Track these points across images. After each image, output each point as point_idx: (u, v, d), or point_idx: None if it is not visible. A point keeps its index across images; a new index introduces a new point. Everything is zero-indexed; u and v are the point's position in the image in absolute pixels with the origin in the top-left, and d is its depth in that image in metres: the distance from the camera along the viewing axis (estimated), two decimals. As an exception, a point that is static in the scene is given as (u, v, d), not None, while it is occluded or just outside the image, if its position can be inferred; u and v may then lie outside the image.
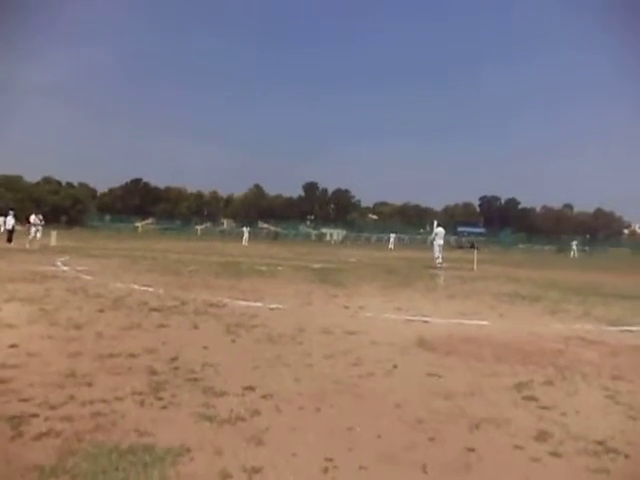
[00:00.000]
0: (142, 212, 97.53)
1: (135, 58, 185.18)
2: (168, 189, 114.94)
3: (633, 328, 8.14)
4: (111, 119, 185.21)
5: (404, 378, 4.86)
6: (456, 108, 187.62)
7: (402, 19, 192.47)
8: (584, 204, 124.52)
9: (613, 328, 8.07)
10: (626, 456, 3.28)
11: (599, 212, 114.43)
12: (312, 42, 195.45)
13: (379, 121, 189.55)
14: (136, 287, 10.63)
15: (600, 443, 3.45)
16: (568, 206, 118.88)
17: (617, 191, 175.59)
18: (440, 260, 21.28)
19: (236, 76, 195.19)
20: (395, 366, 5.24)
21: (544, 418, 3.90)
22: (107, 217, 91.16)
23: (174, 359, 5.11)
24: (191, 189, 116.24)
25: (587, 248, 65.76)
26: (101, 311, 7.72)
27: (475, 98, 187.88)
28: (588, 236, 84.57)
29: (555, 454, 3.26)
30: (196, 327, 6.84)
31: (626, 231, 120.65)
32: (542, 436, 3.54)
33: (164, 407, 3.77)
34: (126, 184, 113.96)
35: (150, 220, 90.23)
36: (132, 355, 5.17)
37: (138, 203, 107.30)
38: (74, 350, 5.30)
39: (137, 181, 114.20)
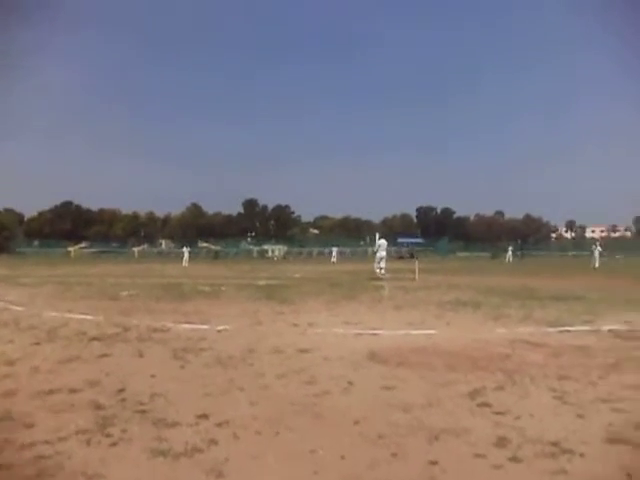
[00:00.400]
0: (74, 236, 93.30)
1: (59, 71, 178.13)
2: (101, 211, 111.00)
3: (571, 328, 8.52)
4: (36, 139, 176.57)
5: (360, 393, 4.83)
6: (392, 124, 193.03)
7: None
8: (514, 210, 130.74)
9: (553, 329, 8.41)
10: (581, 455, 3.37)
11: (528, 218, 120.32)
12: (249, 58, 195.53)
13: (317, 137, 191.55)
14: (72, 316, 10.08)
15: (555, 444, 3.54)
16: (499, 213, 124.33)
17: (544, 197, 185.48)
18: (383, 271, 21.59)
19: (168, 92, 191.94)
20: (350, 382, 5.20)
21: (500, 424, 3.97)
22: (35, 242, 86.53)
23: (120, 391, 4.84)
24: (126, 210, 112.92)
25: (519, 253, 68.69)
26: (36, 344, 7.25)
27: (407, 114, 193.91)
28: (519, 241, 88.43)
29: (515, 459, 3.31)
30: (141, 355, 6.54)
31: (554, 235, 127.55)
32: (501, 442, 3.59)
33: (113, 444, 3.55)
34: (56, 207, 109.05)
35: (83, 244, 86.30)
36: (74, 390, 4.86)
37: (69, 227, 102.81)
38: (8, 388, 4.92)
39: (68, 204, 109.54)
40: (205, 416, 4.11)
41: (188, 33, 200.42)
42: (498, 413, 4.22)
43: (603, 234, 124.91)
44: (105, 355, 6.49)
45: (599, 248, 38.78)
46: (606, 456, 3.37)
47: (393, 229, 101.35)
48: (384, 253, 22.11)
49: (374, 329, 8.43)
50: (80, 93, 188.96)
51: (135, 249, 79.91)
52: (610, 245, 74.70)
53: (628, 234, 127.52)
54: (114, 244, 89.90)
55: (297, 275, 25.65)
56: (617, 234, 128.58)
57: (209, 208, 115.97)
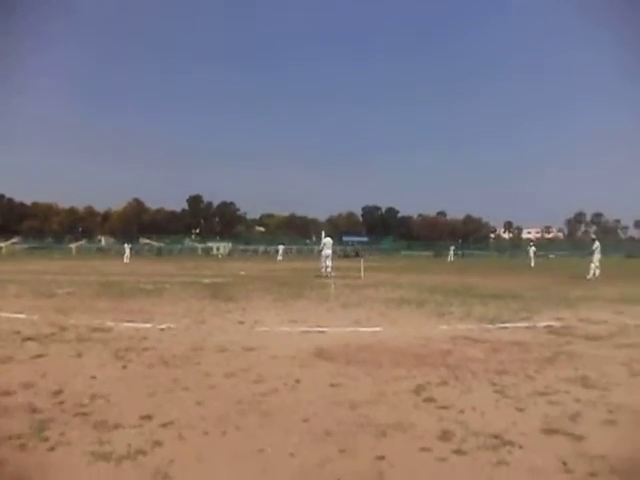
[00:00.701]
0: (5, 231, 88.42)
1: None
2: (36, 205, 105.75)
3: (508, 325, 8.86)
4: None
5: (308, 391, 4.83)
6: (337, 122, 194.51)
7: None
8: (455, 211, 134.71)
9: (492, 326, 8.72)
10: (520, 447, 3.51)
11: (468, 218, 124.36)
12: (197, 50, 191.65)
13: (262, 134, 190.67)
14: (4, 315, 9.55)
15: (496, 437, 3.67)
16: (441, 213, 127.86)
17: (484, 198, 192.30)
18: (330, 269, 21.71)
19: (110, 81, 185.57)
20: (298, 380, 5.19)
21: (444, 418, 4.07)
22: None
23: (57, 393, 4.62)
24: (63, 204, 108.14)
25: (460, 252, 70.96)
26: (-37, 345, 6.82)
27: (352, 114, 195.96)
28: (460, 241, 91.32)
29: (459, 452, 3.40)
30: (80, 355, 6.27)
31: (492, 235, 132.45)
32: (445, 435, 3.68)
33: (51, 449, 3.38)
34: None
35: (15, 239, 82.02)
36: (7, 392, 4.59)
37: (0, 221, 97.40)
38: None
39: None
40: (149, 417, 3.99)
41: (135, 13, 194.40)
42: (442, 407, 4.33)
43: (538, 235, 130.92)
44: (40, 356, 6.19)
45: (534, 248, 40.62)
46: (543, 447, 3.52)
47: (339, 227, 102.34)
48: (329, 251, 22.22)
49: (321, 327, 8.46)
50: (14, 82, 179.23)
51: (73, 245, 76.92)
52: (544, 245, 78.50)
53: (560, 235, 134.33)
54: (49, 240, 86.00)
55: (243, 273, 25.40)
56: (551, 235, 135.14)
57: (152, 204, 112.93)
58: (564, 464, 3.23)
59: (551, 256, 65.62)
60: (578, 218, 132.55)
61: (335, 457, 3.32)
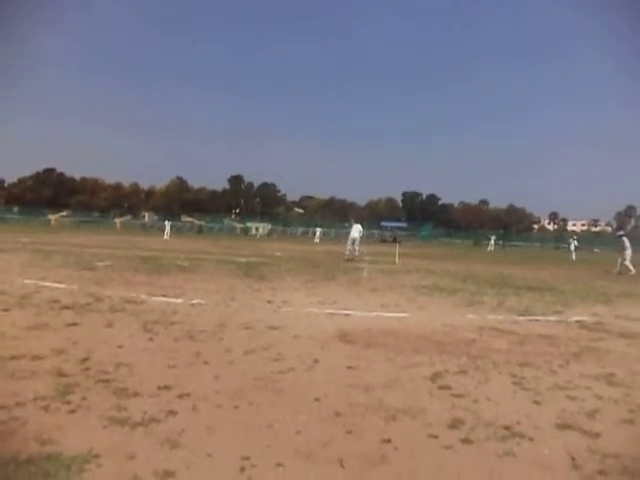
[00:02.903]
0: (55, 204, 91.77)
1: (47, 41, 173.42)
2: (84, 180, 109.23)
3: (540, 318, 8.68)
4: (20, 104, 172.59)
5: (324, 372, 4.88)
6: (385, 108, 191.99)
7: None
8: (498, 200, 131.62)
9: (522, 318, 8.55)
10: (530, 439, 3.47)
11: (511, 208, 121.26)
12: (243, 33, 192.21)
13: (307, 116, 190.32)
14: (47, 284, 9.99)
15: (507, 428, 3.64)
16: (484, 202, 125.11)
17: (528, 188, 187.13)
18: (357, 252, 21.87)
19: (159, 64, 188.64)
20: (316, 360, 5.25)
21: (457, 406, 4.06)
22: (15, 209, 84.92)
23: (85, 360, 4.83)
24: (109, 181, 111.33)
25: (501, 242, 69.47)
26: (5, 310, 7.18)
27: (400, 101, 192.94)
28: (502, 231, 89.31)
29: (466, 441, 3.39)
30: (111, 325, 6.52)
31: (536, 226, 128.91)
32: (455, 424, 3.67)
33: (72, 411, 3.55)
34: (37, 174, 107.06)
35: (65, 212, 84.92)
36: (38, 357, 4.84)
37: (51, 194, 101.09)
38: (-29, 353, 4.88)
39: (50, 171, 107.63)
40: (167, 387, 4.13)
41: (182, 3, 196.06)
42: (456, 396, 4.31)
43: (584, 228, 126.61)
44: (74, 324, 6.46)
45: (575, 242, 39.36)
46: (554, 441, 3.47)
47: (378, 212, 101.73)
48: (356, 235, 22.30)
49: (347, 310, 8.50)
50: (66, 62, 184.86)
51: (117, 220, 79.01)
52: (589, 239, 75.93)
53: (609, 229, 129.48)
54: (96, 214, 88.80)
55: (278, 254, 25.63)
56: (598, 228, 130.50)
57: (194, 182, 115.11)
58: (573, 459, 3.18)
59: (596, 250, 63.35)
60: (628, 212, 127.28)
61: (341, 437, 3.37)
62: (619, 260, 21.55)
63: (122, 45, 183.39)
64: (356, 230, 22.49)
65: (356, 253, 21.92)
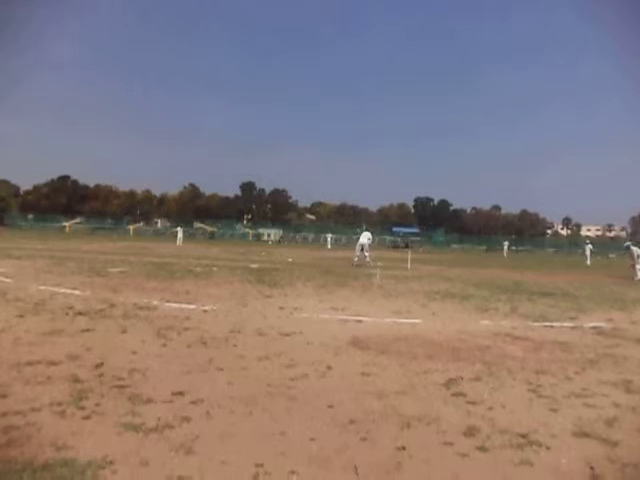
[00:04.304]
0: (70, 211, 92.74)
1: (63, 49, 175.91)
2: (98, 187, 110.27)
3: (554, 324, 8.58)
4: (34, 113, 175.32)
5: (338, 378, 4.86)
6: (393, 114, 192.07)
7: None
8: (511, 205, 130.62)
9: (537, 324, 8.46)
10: (547, 448, 3.42)
11: (524, 213, 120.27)
12: (256, 40, 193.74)
13: (317, 123, 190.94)
14: (61, 290, 10.08)
15: (524, 436, 3.59)
16: (496, 207, 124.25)
17: (541, 193, 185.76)
18: (367, 259, 21.78)
19: (169, 70, 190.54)
20: (329, 367, 5.23)
21: (472, 413, 4.01)
22: (30, 216, 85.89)
23: (99, 365, 4.86)
24: (123, 188, 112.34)
25: (514, 247, 68.93)
26: (20, 316, 7.25)
27: (408, 105, 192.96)
28: (514, 236, 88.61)
29: (482, 449, 3.35)
30: (124, 331, 6.56)
31: (549, 232, 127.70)
32: (470, 431, 3.63)
33: (86, 417, 3.57)
34: (52, 181, 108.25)
35: (79, 219, 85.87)
36: (53, 362, 4.88)
37: (65, 202, 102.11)
38: (-14, 359, 4.93)
39: (64, 178, 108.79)
40: (181, 393, 4.14)
41: (194, 9, 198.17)
42: (471, 403, 4.26)
43: (599, 233, 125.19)
44: (89, 330, 6.50)
45: (590, 246, 38.92)
46: (572, 449, 3.41)
47: (389, 218, 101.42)
48: (364, 241, 22.23)
49: (360, 316, 8.47)
50: (80, 69, 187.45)
51: (131, 227, 79.71)
52: (604, 244, 75.04)
53: (623, 234, 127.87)
54: (109, 221, 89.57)
55: (290, 259, 25.66)
56: (612, 233, 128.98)
57: (206, 189, 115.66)
58: (591, 469, 3.12)
59: (611, 255, 62.60)
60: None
61: (355, 445, 3.35)
62: (637, 267, 21.25)
63: (135, 55, 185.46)
64: (365, 237, 22.48)
65: (367, 259, 21.84)
